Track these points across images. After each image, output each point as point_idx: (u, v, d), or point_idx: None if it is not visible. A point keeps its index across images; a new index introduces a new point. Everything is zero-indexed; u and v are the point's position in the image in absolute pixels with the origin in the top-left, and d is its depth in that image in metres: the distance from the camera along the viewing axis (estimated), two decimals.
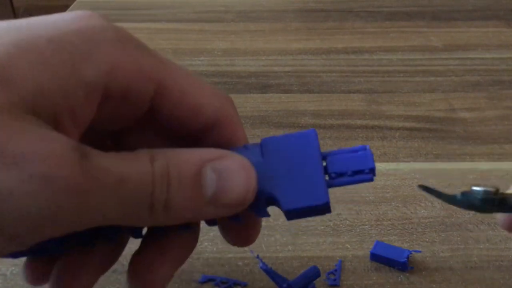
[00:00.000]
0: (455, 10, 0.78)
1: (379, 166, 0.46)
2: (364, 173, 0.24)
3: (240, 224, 0.25)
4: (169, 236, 0.24)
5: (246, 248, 0.36)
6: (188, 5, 0.80)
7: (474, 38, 0.69)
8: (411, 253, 0.36)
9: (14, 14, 1.75)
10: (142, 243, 0.25)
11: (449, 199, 0.25)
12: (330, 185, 0.24)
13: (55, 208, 0.17)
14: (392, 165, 0.46)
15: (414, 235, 0.38)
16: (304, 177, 0.23)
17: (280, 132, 0.50)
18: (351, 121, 0.52)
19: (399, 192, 0.43)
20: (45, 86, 0.18)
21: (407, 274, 0.35)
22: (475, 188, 0.25)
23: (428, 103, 0.55)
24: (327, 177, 0.24)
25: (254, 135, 0.50)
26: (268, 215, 0.24)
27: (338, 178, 0.24)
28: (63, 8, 0.81)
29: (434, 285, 0.35)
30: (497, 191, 0.25)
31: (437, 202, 0.41)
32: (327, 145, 0.48)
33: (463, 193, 0.26)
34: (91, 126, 0.21)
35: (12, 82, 0.18)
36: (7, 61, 0.18)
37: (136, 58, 0.21)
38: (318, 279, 0.34)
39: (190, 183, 0.21)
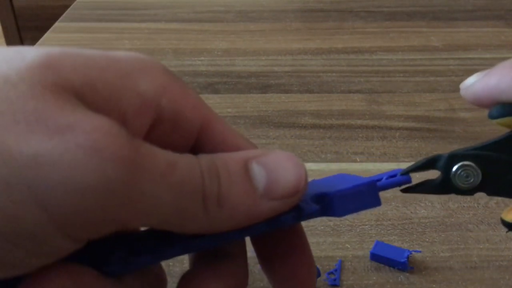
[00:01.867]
0: (455, 10, 0.78)
1: (379, 166, 0.46)
2: (398, 175, 0.24)
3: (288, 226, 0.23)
4: (220, 258, 0.23)
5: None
6: (188, 5, 0.80)
7: (474, 38, 0.69)
8: (411, 253, 0.36)
9: (14, 14, 1.75)
10: (192, 265, 0.23)
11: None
12: None
13: (105, 179, 0.16)
14: (392, 165, 0.46)
15: (414, 235, 0.38)
16: (346, 182, 0.23)
17: (280, 132, 0.50)
18: (351, 121, 0.52)
19: (399, 192, 0.42)
20: (94, 80, 0.18)
21: (407, 274, 0.35)
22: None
23: (428, 103, 0.55)
24: None
25: (254, 135, 0.50)
26: (316, 208, 0.23)
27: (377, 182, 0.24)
28: (63, 8, 0.81)
29: (434, 285, 0.35)
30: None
31: (437, 202, 0.41)
32: (327, 144, 0.48)
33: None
34: None
35: (61, 69, 0.18)
36: (59, 55, 0.18)
37: (183, 87, 0.21)
38: (318, 279, 0.34)
39: (240, 176, 0.20)
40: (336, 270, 0.35)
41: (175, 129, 0.21)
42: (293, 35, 0.71)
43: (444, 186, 0.24)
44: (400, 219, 0.40)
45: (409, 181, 0.24)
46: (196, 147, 0.22)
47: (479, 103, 0.26)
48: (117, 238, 0.20)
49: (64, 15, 0.77)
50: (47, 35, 0.71)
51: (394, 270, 0.36)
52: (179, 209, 0.18)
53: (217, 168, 0.20)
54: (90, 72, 0.18)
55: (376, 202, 0.23)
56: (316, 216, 0.23)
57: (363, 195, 0.23)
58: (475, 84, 0.26)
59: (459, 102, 0.55)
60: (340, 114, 0.53)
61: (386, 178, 0.24)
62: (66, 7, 0.81)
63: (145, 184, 0.17)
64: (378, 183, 0.23)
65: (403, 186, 0.24)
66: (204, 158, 0.20)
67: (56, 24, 0.75)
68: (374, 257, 0.36)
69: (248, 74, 0.61)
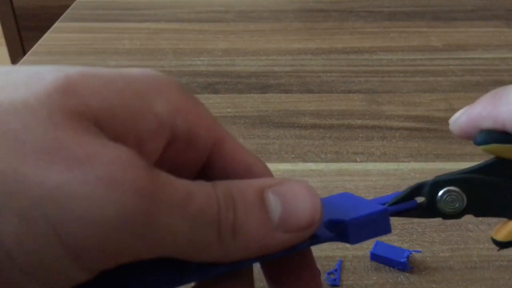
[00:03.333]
0: (455, 10, 0.78)
1: (379, 166, 0.46)
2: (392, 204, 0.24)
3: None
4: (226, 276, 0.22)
5: None
6: (188, 5, 0.80)
7: (474, 38, 0.69)
8: (411, 253, 0.36)
9: (14, 14, 1.75)
10: None
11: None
12: None
13: (123, 211, 0.16)
14: (392, 165, 0.46)
15: (414, 235, 0.38)
16: (357, 206, 0.23)
17: (280, 132, 0.50)
18: (351, 121, 0.52)
19: None
20: (113, 105, 0.18)
21: (407, 274, 0.35)
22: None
23: (428, 103, 0.55)
24: None
25: (254, 135, 0.50)
26: (332, 236, 0.23)
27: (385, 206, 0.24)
28: (63, 8, 0.81)
29: (434, 285, 0.35)
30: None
31: None
32: (327, 144, 0.48)
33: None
34: None
35: (81, 93, 0.18)
36: (78, 78, 0.18)
37: (197, 106, 0.22)
38: None
39: (256, 206, 0.20)
40: (336, 270, 0.35)
41: (189, 148, 0.21)
42: (293, 35, 0.71)
43: (430, 211, 0.25)
44: (400, 219, 0.40)
45: (416, 205, 0.24)
46: (208, 164, 0.22)
47: (465, 134, 0.26)
48: (128, 266, 0.20)
49: (64, 15, 0.77)
50: (47, 35, 0.71)
51: (394, 270, 0.36)
52: (194, 239, 0.18)
53: (233, 197, 0.20)
54: (109, 95, 0.18)
55: (388, 230, 0.23)
56: (329, 241, 0.23)
57: (376, 223, 0.23)
58: (460, 116, 0.27)
59: (459, 102, 0.55)
60: (340, 114, 0.53)
61: (390, 204, 0.24)
62: (66, 7, 0.81)
63: (162, 215, 0.17)
64: (389, 209, 0.24)
65: (391, 212, 0.24)
66: (220, 186, 0.20)
67: (56, 24, 0.75)
68: (374, 257, 0.36)
69: (248, 74, 0.61)
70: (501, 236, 0.25)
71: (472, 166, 0.25)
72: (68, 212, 0.16)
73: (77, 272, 0.17)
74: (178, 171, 0.22)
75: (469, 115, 0.26)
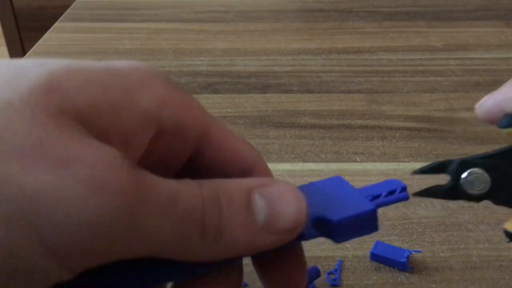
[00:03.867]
0: (455, 10, 0.78)
1: (379, 166, 0.46)
2: (398, 192, 0.24)
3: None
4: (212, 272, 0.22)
5: None
6: (188, 5, 0.80)
7: (474, 38, 0.69)
8: (411, 253, 0.36)
9: (14, 14, 1.75)
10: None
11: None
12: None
13: (106, 214, 0.16)
14: (392, 165, 0.46)
15: (414, 235, 0.38)
16: (345, 200, 0.23)
17: (280, 132, 0.50)
18: (351, 121, 0.52)
19: None
20: (98, 101, 0.18)
21: (407, 274, 0.35)
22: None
23: (428, 103, 0.55)
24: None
25: (254, 135, 0.50)
26: (316, 234, 0.23)
27: (375, 199, 0.24)
28: (63, 8, 0.81)
29: (434, 285, 0.35)
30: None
31: (437, 202, 0.41)
32: (327, 144, 0.48)
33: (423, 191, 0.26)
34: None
35: (65, 91, 0.18)
36: (61, 76, 0.18)
37: (184, 97, 0.22)
38: (318, 279, 0.34)
39: (241, 208, 0.20)
40: (336, 270, 0.35)
41: (175, 140, 0.21)
42: (293, 35, 0.71)
43: (453, 191, 0.24)
44: (400, 219, 0.40)
45: (407, 198, 0.24)
46: (197, 153, 0.22)
47: (491, 118, 0.27)
48: (114, 264, 0.20)
49: (64, 15, 0.77)
50: (47, 35, 0.71)
51: (394, 270, 0.35)
52: (178, 239, 0.19)
53: (219, 198, 0.20)
54: (93, 91, 0.18)
55: (375, 228, 0.23)
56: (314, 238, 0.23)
57: (363, 221, 0.23)
58: (486, 100, 0.27)
59: (459, 102, 0.55)
60: (340, 114, 0.53)
61: (385, 195, 0.24)
62: (66, 7, 0.81)
63: (146, 217, 0.17)
64: (377, 201, 0.23)
65: (415, 192, 0.25)
66: (207, 186, 0.20)
67: (56, 24, 0.75)
68: (374, 257, 0.36)
69: (248, 74, 0.61)
70: None
71: (498, 149, 0.24)
72: (50, 215, 0.16)
73: (58, 272, 0.17)
74: (165, 162, 0.22)
75: (494, 99, 0.26)
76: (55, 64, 0.18)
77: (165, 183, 0.18)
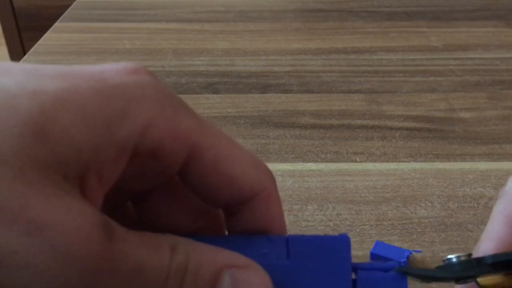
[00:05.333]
0: (455, 10, 0.78)
1: (379, 166, 0.46)
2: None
3: None
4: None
5: None
6: (188, 5, 0.80)
7: (474, 38, 0.69)
8: (411, 253, 0.36)
9: (14, 14, 1.75)
10: None
11: (428, 278, 0.25)
12: None
13: (71, 285, 0.17)
14: (392, 165, 0.46)
15: (414, 235, 0.38)
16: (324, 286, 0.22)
17: (280, 132, 0.50)
18: (351, 121, 0.52)
19: (399, 192, 0.43)
20: (80, 146, 0.18)
21: None
22: (448, 257, 0.26)
23: (428, 103, 0.55)
24: None
25: (254, 135, 0.50)
26: None
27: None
28: (63, 8, 0.81)
29: (434, 285, 0.35)
30: (470, 254, 0.26)
31: (437, 202, 0.41)
32: (327, 144, 0.48)
33: (439, 267, 0.26)
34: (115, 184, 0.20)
35: (50, 139, 0.17)
36: (50, 112, 0.17)
37: (172, 117, 0.20)
38: None
39: (205, 285, 0.20)
40: None
41: (154, 162, 0.20)
42: (293, 35, 0.71)
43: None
44: (400, 219, 0.40)
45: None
46: (183, 174, 0.21)
47: None
48: None
49: (64, 15, 0.77)
50: (47, 35, 0.71)
51: None
52: None
53: (186, 271, 0.19)
54: (77, 133, 0.18)
55: None
56: None
57: None
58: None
59: (459, 102, 0.55)
60: (340, 114, 0.53)
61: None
62: (66, 7, 0.81)
63: (109, 285, 0.18)
64: None
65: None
66: (178, 259, 0.19)
67: (56, 24, 0.75)
68: (374, 257, 0.36)
69: (248, 74, 0.61)
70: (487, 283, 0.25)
71: None
72: (16, 279, 0.16)
73: None
74: (144, 182, 0.22)
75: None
76: (46, 93, 0.18)
77: (134, 250, 0.18)
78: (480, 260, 0.25)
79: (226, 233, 0.24)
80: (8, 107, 0.17)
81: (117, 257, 0.18)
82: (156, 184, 0.22)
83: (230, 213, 0.23)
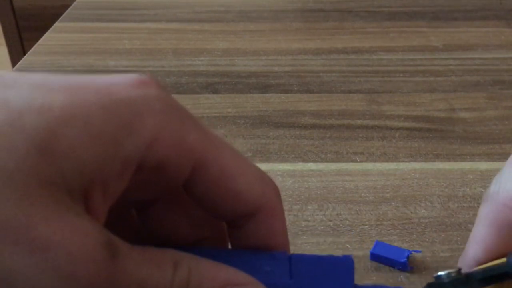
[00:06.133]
0: (455, 10, 0.78)
1: (379, 166, 0.46)
2: None
3: None
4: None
5: None
6: (188, 5, 0.80)
7: (474, 38, 0.69)
8: (411, 253, 0.36)
9: (14, 14, 1.75)
10: None
11: None
12: None
13: None
14: (392, 165, 0.46)
15: (414, 235, 0.38)
16: None
17: (280, 132, 0.50)
18: (351, 121, 0.52)
19: (399, 192, 0.43)
20: (85, 161, 0.18)
21: (407, 274, 0.35)
22: (439, 274, 0.26)
23: (428, 103, 0.55)
24: None
25: (254, 135, 0.50)
26: None
27: None
28: (63, 8, 0.81)
29: None
30: (459, 270, 0.26)
31: (437, 202, 0.41)
32: (327, 144, 0.48)
33: (430, 284, 0.26)
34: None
35: (56, 155, 0.17)
36: (56, 129, 0.17)
37: (179, 131, 0.20)
38: None
39: None
40: None
41: (159, 175, 0.20)
42: (293, 35, 0.71)
43: None
44: (400, 219, 0.40)
45: None
46: (187, 186, 0.21)
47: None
48: None
49: (64, 15, 0.77)
50: (47, 35, 0.71)
51: (394, 270, 0.35)
52: None
53: None
54: (83, 153, 0.18)
55: None
56: None
57: None
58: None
59: (459, 102, 0.55)
60: (340, 114, 0.53)
61: None
62: (66, 7, 0.81)
63: None
64: None
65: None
66: (180, 275, 0.19)
67: (56, 24, 0.75)
68: (374, 257, 0.36)
69: (248, 74, 0.61)
70: None
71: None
72: None
73: None
74: (148, 193, 0.22)
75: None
76: (52, 109, 0.18)
77: (137, 268, 0.19)
78: (469, 276, 0.26)
79: (229, 244, 0.24)
80: (14, 124, 0.17)
81: (120, 277, 0.18)
82: (160, 195, 0.22)
83: (233, 226, 0.23)
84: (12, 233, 0.16)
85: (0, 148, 0.16)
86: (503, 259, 0.26)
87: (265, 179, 0.22)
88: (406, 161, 0.46)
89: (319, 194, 0.42)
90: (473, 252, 0.28)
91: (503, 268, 0.25)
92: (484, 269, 0.26)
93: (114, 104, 0.19)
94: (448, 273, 0.26)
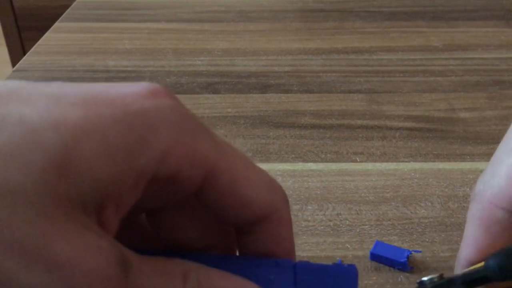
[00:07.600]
0: (455, 10, 0.78)
1: (379, 166, 0.46)
2: None
3: None
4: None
5: None
6: (188, 5, 0.80)
7: (474, 38, 0.69)
8: (411, 253, 0.36)
9: (14, 14, 1.75)
10: None
11: None
12: None
13: None
14: (392, 165, 0.46)
15: (414, 235, 0.38)
16: None
17: (280, 132, 0.50)
18: (351, 121, 0.52)
19: (399, 192, 0.43)
20: (100, 177, 0.18)
21: (407, 274, 0.35)
22: (422, 279, 0.26)
23: (428, 103, 0.55)
24: None
25: (254, 135, 0.50)
26: None
27: None
28: (63, 8, 0.81)
29: None
30: (441, 275, 0.26)
31: (437, 202, 0.41)
32: (327, 144, 0.48)
33: None
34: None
35: (72, 172, 0.17)
36: (72, 145, 0.17)
37: (191, 142, 0.20)
38: None
39: None
40: None
41: (171, 185, 0.21)
42: (293, 35, 0.71)
43: None
44: (400, 219, 0.40)
45: None
46: (201, 193, 0.22)
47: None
48: None
49: (64, 15, 0.77)
50: (47, 35, 0.71)
51: (394, 270, 0.36)
52: None
53: None
54: (99, 169, 0.18)
55: None
56: None
57: None
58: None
59: (459, 102, 0.55)
60: (340, 114, 0.53)
61: None
62: (66, 7, 0.81)
63: None
64: None
65: None
66: (190, 285, 0.20)
67: (56, 24, 0.75)
68: (374, 257, 0.36)
69: (248, 74, 0.61)
70: None
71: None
72: None
73: None
74: (159, 202, 0.22)
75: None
76: (68, 125, 0.18)
77: (149, 282, 0.19)
78: (451, 281, 0.26)
79: (237, 250, 0.24)
80: (30, 141, 0.17)
81: None
82: (171, 203, 0.23)
83: (242, 232, 0.23)
84: (29, 251, 0.16)
85: (17, 165, 0.17)
86: (482, 263, 0.26)
87: (273, 186, 0.23)
88: (406, 161, 0.46)
89: (319, 194, 0.42)
90: (466, 253, 0.28)
91: (481, 272, 0.25)
92: (464, 274, 0.26)
93: (130, 117, 0.19)
94: (431, 279, 0.26)
